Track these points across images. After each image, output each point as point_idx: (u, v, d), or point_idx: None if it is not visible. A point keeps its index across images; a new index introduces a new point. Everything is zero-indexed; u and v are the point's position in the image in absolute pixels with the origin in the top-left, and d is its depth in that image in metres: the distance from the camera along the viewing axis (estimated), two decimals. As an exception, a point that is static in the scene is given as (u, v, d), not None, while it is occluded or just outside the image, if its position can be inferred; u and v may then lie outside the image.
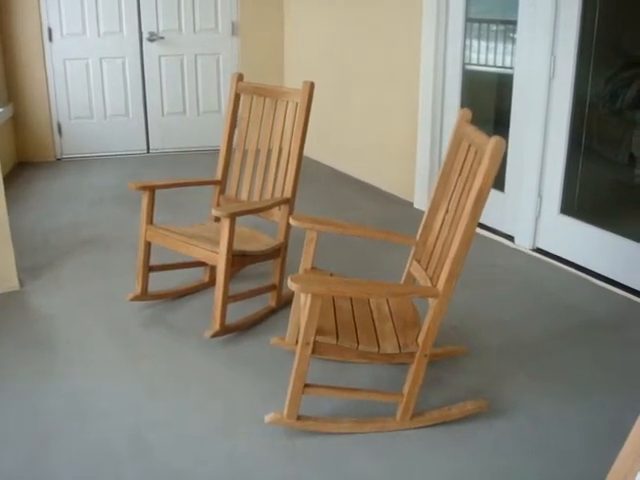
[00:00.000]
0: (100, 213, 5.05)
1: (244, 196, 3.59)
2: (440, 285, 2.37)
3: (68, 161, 6.53)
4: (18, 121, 6.33)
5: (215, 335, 3.14)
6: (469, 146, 2.54)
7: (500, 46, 4.76)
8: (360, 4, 5.63)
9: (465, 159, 2.55)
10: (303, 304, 2.44)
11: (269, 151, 3.51)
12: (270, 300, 3.49)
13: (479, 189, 2.26)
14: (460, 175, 2.57)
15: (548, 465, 2.39)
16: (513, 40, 4.38)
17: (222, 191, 3.68)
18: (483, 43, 4.86)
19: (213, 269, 3.50)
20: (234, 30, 6.71)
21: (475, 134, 2.49)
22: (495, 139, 2.23)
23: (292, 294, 3.00)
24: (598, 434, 2.56)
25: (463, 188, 2.48)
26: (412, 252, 2.87)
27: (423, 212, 2.89)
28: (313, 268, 2.87)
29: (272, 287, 3.46)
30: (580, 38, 3.86)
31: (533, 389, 2.84)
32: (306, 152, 3.45)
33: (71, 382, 2.88)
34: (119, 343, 3.20)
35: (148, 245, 3.39)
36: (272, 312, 3.47)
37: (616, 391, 2.84)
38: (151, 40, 6.52)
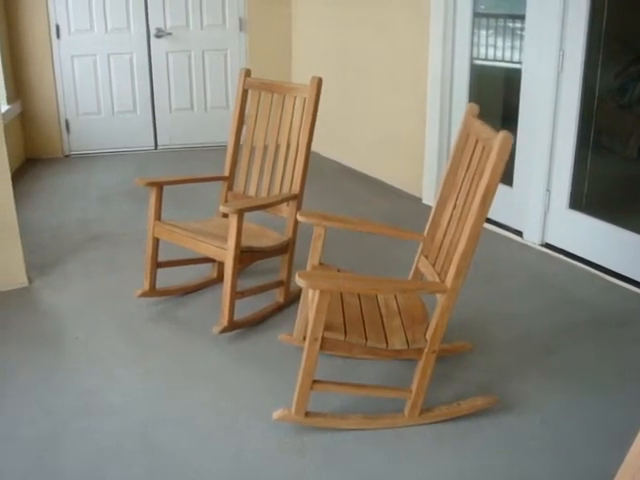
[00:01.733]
0: (108, 209, 5.06)
1: (252, 192, 3.59)
2: (448, 281, 2.36)
3: (76, 157, 6.55)
4: (26, 118, 6.35)
5: (223, 331, 3.14)
6: (476, 141, 2.52)
7: (508, 41, 4.74)
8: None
9: (473, 154, 2.54)
10: (311, 300, 2.44)
11: (277, 147, 3.51)
12: (278, 296, 3.49)
13: (487, 185, 2.25)
14: (468, 170, 2.56)
15: (557, 461, 2.39)
16: (521, 35, 4.36)
17: (230, 187, 3.68)
18: (491, 38, 4.84)
19: (221, 265, 3.50)
20: (241, 26, 6.71)
21: (482, 129, 2.47)
22: (503, 134, 2.22)
23: (300, 290, 3.00)
24: (607, 430, 2.55)
25: (471, 184, 2.47)
26: (420, 248, 2.87)
27: (431, 208, 2.88)
28: (321, 264, 2.87)
29: (280, 283, 3.46)
30: (589, 32, 3.83)
31: (542, 385, 2.83)
32: (313, 148, 3.45)
33: (79, 379, 2.89)
34: (127, 339, 3.21)
35: (156, 241, 3.39)
36: (280, 308, 3.47)
37: (626, 387, 2.82)
38: (158, 36, 6.52)
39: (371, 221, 3.39)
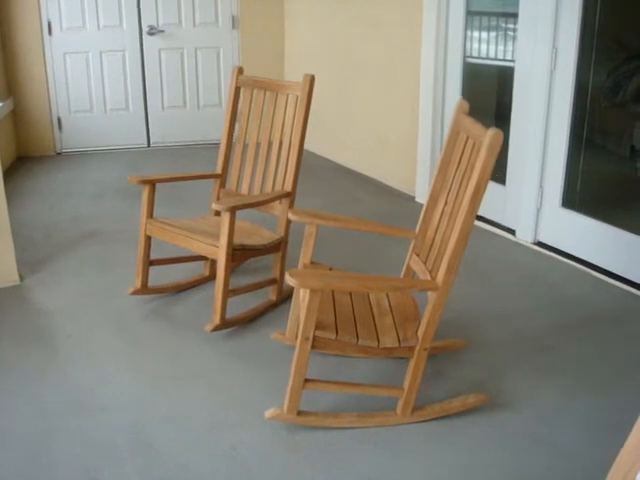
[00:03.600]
0: (100, 207, 5.05)
1: (244, 190, 3.58)
2: (439, 278, 2.36)
3: (68, 155, 6.53)
4: (18, 115, 6.32)
5: (215, 329, 3.13)
6: (467, 138, 2.52)
7: (501, 39, 4.74)
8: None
9: (463, 151, 2.54)
10: (302, 299, 2.43)
11: (269, 145, 3.50)
12: (270, 294, 3.49)
13: (477, 181, 2.24)
14: (458, 167, 2.56)
15: (551, 458, 2.39)
16: (514, 33, 4.36)
17: (222, 185, 3.67)
18: (484, 36, 4.84)
19: (214, 263, 3.50)
20: (234, 23, 6.70)
21: (473, 126, 2.47)
22: (493, 131, 2.22)
23: (292, 288, 3.00)
24: (600, 428, 2.55)
25: (461, 180, 2.47)
26: (411, 245, 2.86)
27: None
28: (312, 262, 2.87)
29: (273, 281, 3.45)
30: (581, 30, 3.84)
31: (535, 382, 2.84)
32: (306, 145, 3.45)
33: (72, 377, 2.88)
34: (120, 337, 3.20)
35: (148, 239, 3.39)
36: (272, 306, 3.46)
37: (619, 385, 2.83)
38: (151, 34, 6.50)
39: (363, 219, 3.39)
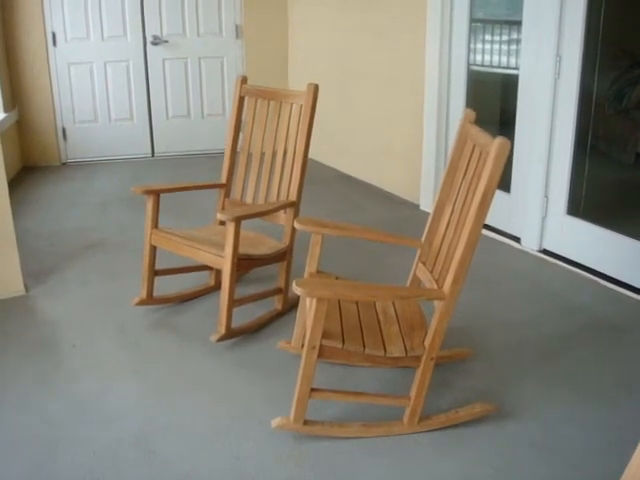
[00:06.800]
0: (105, 217, 5.05)
1: (249, 199, 3.58)
2: (446, 287, 2.35)
3: (73, 165, 6.54)
4: (23, 126, 6.34)
5: (221, 339, 3.13)
6: (474, 147, 2.52)
7: (505, 47, 4.75)
8: (364, 6, 5.63)
9: (470, 160, 2.54)
10: (309, 308, 2.43)
11: (274, 154, 3.51)
12: (276, 304, 3.48)
13: (484, 191, 2.24)
14: (465, 176, 2.55)
15: (556, 468, 2.37)
16: (518, 41, 4.37)
17: (227, 195, 3.67)
18: (488, 44, 4.84)
19: (219, 273, 3.49)
20: (238, 33, 6.71)
21: (479, 135, 2.47)
22: (500, 140, 2.21)
23: (298, 297, 2.99)
24: (606, 436, 2.53)
25: (468, 189, 2.47)
26: (418, 254, 2.86)
27: (429, 214, 2.88)
28: (318, 271, 2.86)
29: (278, 290, 3.45)
30: (585, 38, 3.84)
31: (541, 391, 2.82)
32: (311, 154, 3.44)
33: (77, 386, 2.87)
34: (125, 347, 3.19)
35: (153, 249, 3.39)
36: (278, 316, 3.46)
37: (625, 393, 2.81)
38: (155, 44, 6.52)
39: (368, 228, 3.39)
